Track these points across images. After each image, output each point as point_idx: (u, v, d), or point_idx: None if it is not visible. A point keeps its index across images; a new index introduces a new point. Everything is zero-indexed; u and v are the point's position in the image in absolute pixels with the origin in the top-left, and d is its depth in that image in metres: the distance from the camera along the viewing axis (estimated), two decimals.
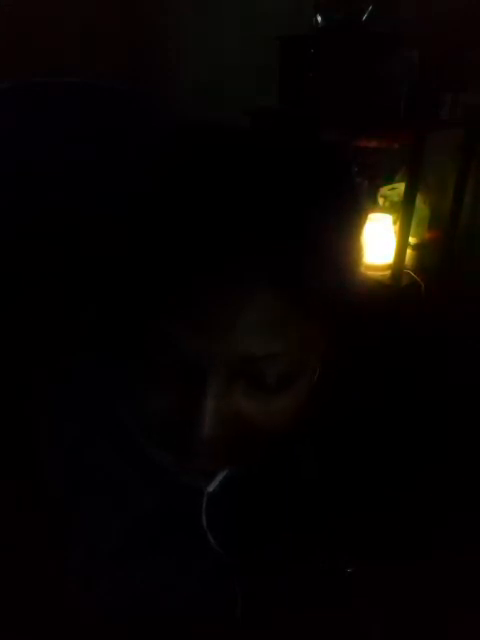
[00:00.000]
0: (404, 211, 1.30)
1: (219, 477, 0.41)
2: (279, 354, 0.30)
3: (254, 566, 0.45)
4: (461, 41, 1.32)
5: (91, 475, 0.45)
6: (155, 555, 0.45)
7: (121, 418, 0.39)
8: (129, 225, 0.31)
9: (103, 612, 0.47)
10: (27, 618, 0.46)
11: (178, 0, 1.68)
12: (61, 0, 1.47)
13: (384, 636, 0.44)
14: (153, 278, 0.29)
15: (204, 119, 0.33)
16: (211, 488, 0.42)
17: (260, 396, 0.32)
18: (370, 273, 1.40)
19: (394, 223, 1.42)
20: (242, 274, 0.28)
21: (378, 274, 1.41)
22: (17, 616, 0.46)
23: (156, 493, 0.43)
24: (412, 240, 1.46)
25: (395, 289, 1.36)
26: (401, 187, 1.38)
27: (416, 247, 1.50)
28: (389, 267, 1.39)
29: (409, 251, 1.41)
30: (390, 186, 1.53)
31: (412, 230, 1.38)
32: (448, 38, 1.31)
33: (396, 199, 1.47)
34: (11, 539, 0.45)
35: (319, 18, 1.39)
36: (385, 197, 1.53)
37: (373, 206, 1.54)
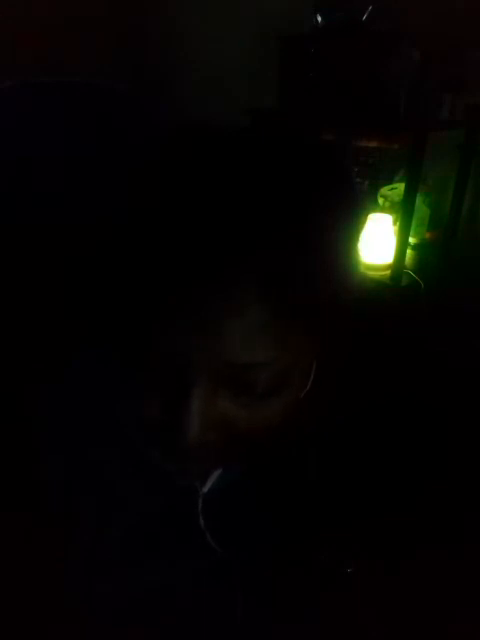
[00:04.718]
0: (404, 211, 1.30)
1: (212, 478, 0.42)
2: (268, 363, 0.30)
3: (254, 566, 0.45)
4: (461, 41, 1.32)
5: (91, 475, 0.45)
6: (155, 555, 0.45)
7: (120, 419, 0.39)
8: (126, 225, 0.31)
9: (103, 612, 0.47)
10: (27, 618, 0.46)
11: (178, 0, 1.68)
12: (62, 0, 1.46)
13: (384, 636, 0.44)
14: (146, 278, 0.29)
15: (203, 119, 0.33)
16: (205, 489, 0.42)
17: (246, 401, 0.32)
18: (370, 273, 1.41)
19: (394, 223, 1.42)
20: (236, 278, 0.28)
21: (378, 274, 1.41)
22: (17, 616, 0.46)
23: (155, 493, 0.43)
24: (412, 240, 1.46)
25: (395, 289, 1.36)
26: (401, 187, 1.38)
27: (416, 247, 1.50)
28: (389, 267, 1.39)
29: (409, 251, 1.41)
30: (390, 186, 1.53)
31: (412, 230, 1.38)
32: (448, 38, 1.31)
33: (396, 199, 1.47)
34: (11, 539, 0.45)
35: (319, 18, 1.39)
36: (385, 197, 1.53)
37: (373, 206, 1.54)
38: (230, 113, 1.00)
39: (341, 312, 0.34)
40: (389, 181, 1.55)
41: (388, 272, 1.39)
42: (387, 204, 1.52)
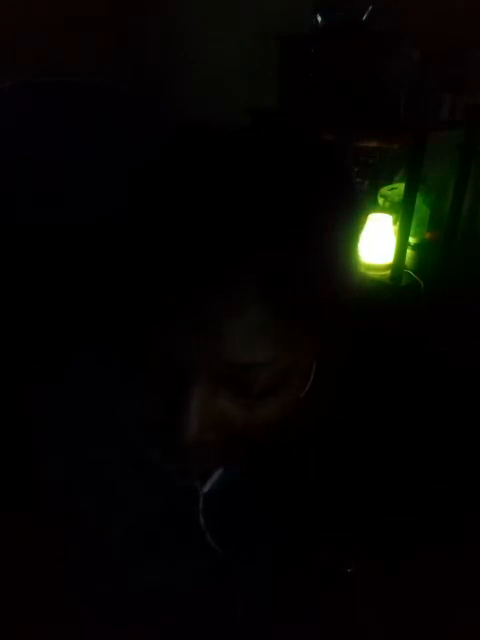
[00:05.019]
0: (404, 211, 1.30)
1: (213, 478, 0.42)
2: (268, 363, 0.30)
3: (254, 566, 0.45)
4: (461, 41, 1.32)
5: (91, 475, 0.45)
6: (155, 555, 0.45)
7: (120, 419, 0.39)
8: (126, 225, 0.31)
9: (103, 612, 0.47)
10: (27, 618, 0.46)
11: (178, 0, 1.68)
12: (62, 0, 1.47)
13: (384, 636, 0.44)
14: (146, 278, 0.29)
15: (203, 119, 0.33)
16: (206, 489, 0.42)
17: (246, 401, 0.32)
18: (370, 273, 1.41)
19: (394, 223, 1.42)
20: (236, 278, 0.28)
21: (378, 274, 1.41)
22: (18, 616, 0.46)
23: (155, 493, 0.43)
24: (412, 240, 1.46)
25: (395, 289, 1.36)
26: (401, 187, 1.38)
27: (416, 247, 1.50)
28: (389, 267, 1.39)
29: (409, 251, 1.41)
30: (390, 186, 1.53)
31: (412, 230, 1.38)
32: (448, 38, 1.31)
33: (396, 199, 1.47)
34: (11, 539, 0.45)
35: (319, 18, 1.39)
36: (385, 197, 1.53)
37: (373, 206, 1.54)
38: (230, 113, 1.00)
39: (341, 312, 0.34)
40: (389, 181, 1.55)
41: (388, 272, 1.39)
42: (387, 204, 1.52)
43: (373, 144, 1.40)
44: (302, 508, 0.43)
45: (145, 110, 0.54)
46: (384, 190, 1.54)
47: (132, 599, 0.46)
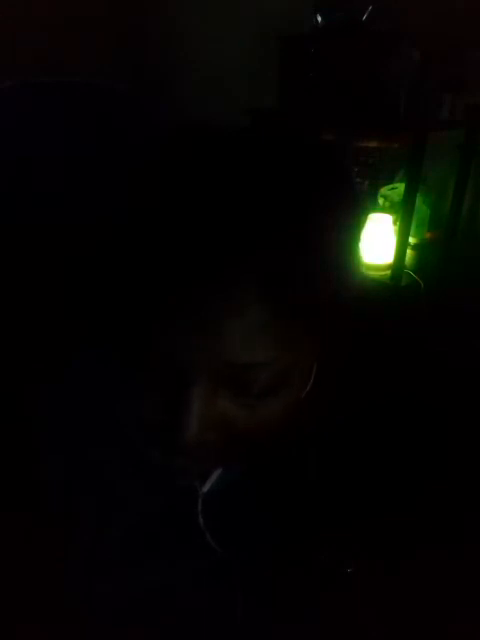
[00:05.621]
0: (404, 211, 1.30)
1: (212, 478, 0.42)
2: (268, 363, 0.30)
3: (254, 566, 0.45)
4: (461, 41, 1.32)
5: (91, 475, 0.45)
6: (155, 555, 0.45)
7: (120, 419, 0.39)
8: (126, 225, 0.31)
9: (103, 612, 0.47)
10: (27, 618, 0.46)
11: (178, 0, 1.68)
12: (62, 0, 1.47)
13: (384, 636, 0.44)
14: (146, 278, 0.29)
15: (203, 119, 0.33)
16: (205, 489, 0.42)
17: (246, 401, 0.32)
18: (370, 273, 1.41)
19: (394, 223, 1.42)
20: (236, 278, 0.28)
21: (378, 274, 1.41)
22: (18, 616, 0.46)
23: (155, 493, 0.43)
24: (412, 240, 1.46)
25: (395, 289, 1.36)
26: (401, 187, 1.38)
27: (416, 247, 1.50)
28: (389, 267, 1.39)
29: (409, 251, 1.41)
30: (390, 186, 1.53)
31: (412, 230, 1.38)
32: (448, 38, 1.31)
33: (396, 199, 1.47)
34: (11, 539, 0.45)
35: (319, 18, 1.39)
36: (385, 197, 1.53)
37: (373, 206, 1.54)
38: (230, 113, 1.00)
39: (341, 312, 0.34)
40: (389, 181, 1.55)
41: (388, 272, 1.39)
42: (387, 204, 1.52)
43: (373, 144, 1.40)
44: (302, 508, 0.43)
45: (145, 110, 0.54)
46: (384, 190, 1.54)
47: (132, 599, 0.46)
